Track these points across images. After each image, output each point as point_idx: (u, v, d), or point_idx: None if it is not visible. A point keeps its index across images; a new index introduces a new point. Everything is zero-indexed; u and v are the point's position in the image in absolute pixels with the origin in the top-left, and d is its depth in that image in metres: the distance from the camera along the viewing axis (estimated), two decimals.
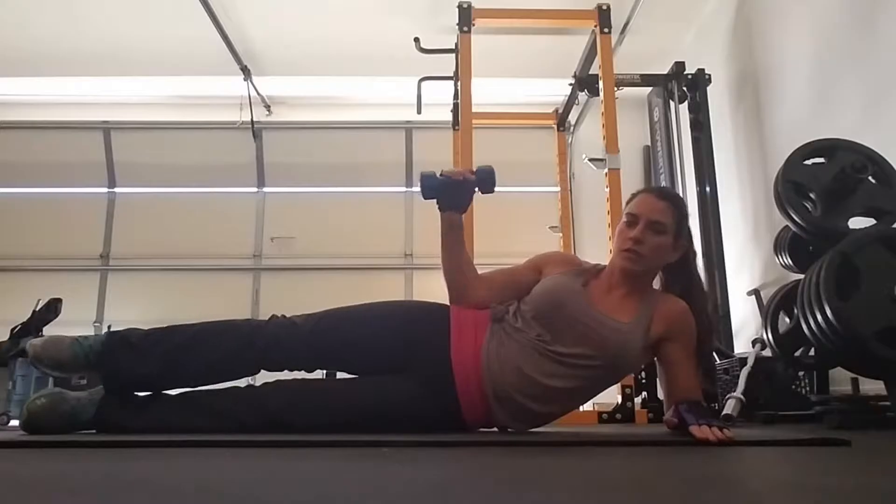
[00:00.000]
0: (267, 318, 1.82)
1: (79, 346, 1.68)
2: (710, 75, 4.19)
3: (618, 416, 2.98)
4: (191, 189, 5.84)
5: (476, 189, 1.81)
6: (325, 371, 3.19)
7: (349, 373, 1.86)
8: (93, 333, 1.74)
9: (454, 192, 1.79)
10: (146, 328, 1.79)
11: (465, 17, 3.57)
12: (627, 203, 1.82)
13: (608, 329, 1.69)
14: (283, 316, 1.83)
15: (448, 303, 1.86)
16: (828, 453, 1.28)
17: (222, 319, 1.82)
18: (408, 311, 1.88)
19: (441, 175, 1.79)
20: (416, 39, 4.52)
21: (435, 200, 1.80)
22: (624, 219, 1.77)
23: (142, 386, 1.74)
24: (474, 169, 1.83)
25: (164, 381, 1.74)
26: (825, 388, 2.58)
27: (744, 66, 4.21)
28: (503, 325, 1.76)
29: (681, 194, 3.98)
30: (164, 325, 1.79)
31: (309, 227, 5.70)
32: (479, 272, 1.89)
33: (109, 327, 2.06)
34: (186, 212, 5.75)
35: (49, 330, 3.76)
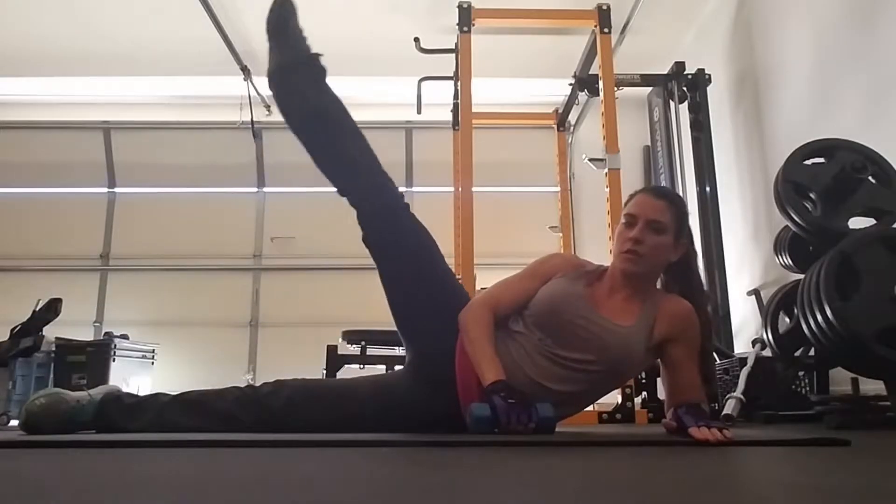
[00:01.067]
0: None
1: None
2: (710, 75, 4.19)
3: (618, 416, 2.98)
4: (191, 189, 5.83)
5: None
6: (325, 367, 3.21)
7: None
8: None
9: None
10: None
11: (465, 17, 3.57)
12: (625, 204, 1.82)
13: (610, 333, 1.68)
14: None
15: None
16: (828, 453, 1.28)
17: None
18: (420, 307, 1.85)
19: (493, 410, 1.54)
20: (416, 39, 4.52)
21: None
22: (623, 220, 1.76)
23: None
24: (536, 411, 1.56)
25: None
26: (825, 388, 2.58)
27: (744, 66, 4.21)
28: (507, 330, 1.76)
29: (681, 194, 3.98)
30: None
31: (309, 227, 5.69)
32: (485, 300, 1.82)
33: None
34: (186, 212, 5.75)
35: (49, 330, 3.77)
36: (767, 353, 2.71)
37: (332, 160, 1.90)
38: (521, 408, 1.54)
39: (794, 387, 2.77)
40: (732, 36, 4.35)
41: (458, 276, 3.51)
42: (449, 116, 4.81)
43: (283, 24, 1.90)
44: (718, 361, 3.03)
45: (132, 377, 4.20)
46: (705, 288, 2.12)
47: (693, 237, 1.86)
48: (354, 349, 3.40)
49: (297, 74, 1.91)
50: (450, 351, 1.73)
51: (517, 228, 5.36)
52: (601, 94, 3.53)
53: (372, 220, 1.85)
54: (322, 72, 1.94)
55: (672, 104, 4.26)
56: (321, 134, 1.90)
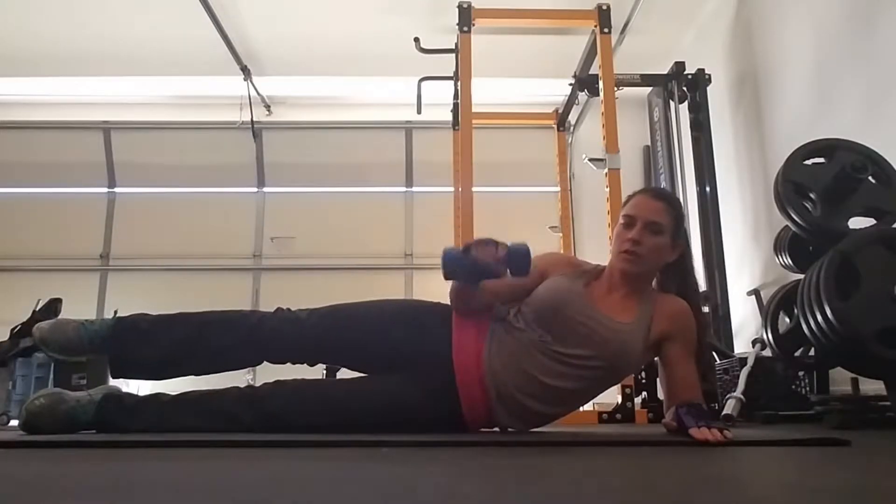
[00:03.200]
0: (273, 310, 1.84)
1: (84, 329, 1.72)
2: (710, 75, 4.19)
3: (618, 416, 2.98)
4: (191, 189, 5.83)
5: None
6: (325, 368, 3.20)
7: (350, 369, 1.88)
8: (98, 319, 1.77)
9: (478, 275, 1.64)
10: (154, 314, 1.81)
11: (465, 17, 3.57)
12: (624, 205, 1.83)
13: (609, 330, 1.69)
14: (289, 309, 1.84)
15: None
16: (828, 453, 1.28)
17: (228, 310, 1.83)
18: (411, 310, 1.89)
19: (466, 251, 1.61)
20: (416, 39, 4.51)
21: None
22: (621, 221, 1.78)
23: (147, 370, 1.78)
24: (506, 244, 1.63)
25: (169, 367, 1.77)
26: (825, 388, 2.58)
27: (744, 66, 4.21)
28: (505, 325, 1.77)
29: (681, 194, 3.98)
30: (172, 313, 1.81)
31: (309, 227, 5.69)
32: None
33: (116, 312, 2.05)
34: (186, 212, 5.75)
35: None
36: (767, 353, 2.71)
37: (217, 366, 1.81)
38: (490, 241, 1.61)
39: (794, 387, 2.77)
40: (732, 36, 4.35)
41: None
42: (449, 116, 4.81)
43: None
44: (718, 361, 3.03)
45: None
46: (700, 287, 2.13)
47: (689, 238, 1.87)
48: None
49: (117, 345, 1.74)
50: (446, 356, 1.73)
51: (517, 228, 5.33)
52: (601, 94, 3.53)
53: (295, 352, 1.80)
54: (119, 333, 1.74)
55: (672, 104, 4.26)
56: (185, 361, 1.78)
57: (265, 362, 1.81)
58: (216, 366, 1.81)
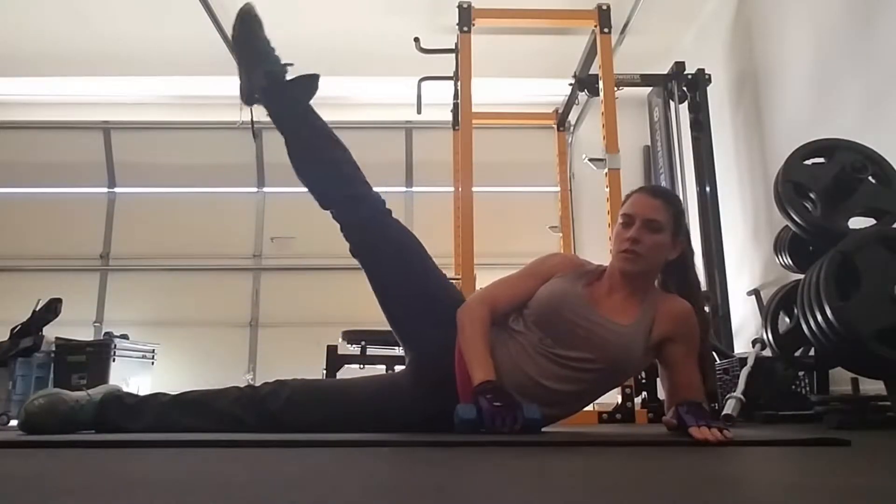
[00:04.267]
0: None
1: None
2: (710, 75, 4.19)
3: (618, 416, 2.98)
4: (191, 189, 5.83)
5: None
6: (325, 367, 3.21)
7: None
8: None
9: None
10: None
11: (465, 17, 3.57)
12: (622, 204, 1.82)
13: (609, 332, 1.68)
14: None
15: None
16: (828, 453, 1.28)
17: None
18: (427, 306, 1.85)
19: (482, 414, 1.53)
20: (416, 39, 4.51)
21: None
22: (620, 220, 1.77)
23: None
24: (522, 413, 1.55)
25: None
26: (825, 388, 2.58)
27: (744, 66, 4.21)
28: (506, 328, 1.77)
29: (681, 194, 3.98)
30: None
31: (309, 227, 5.67)
32: (483, 297, 1.82)
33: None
34: (186, 212, 5.75)
35: (49, 330, 3.77)
36: (767, 353, 2.71)
37: (319, 175, 1.93)
38: (506, 410, 1.54)
39: (794, 387, 2.77)
40: (732, 36, 4.35)
41: (457, 276, 3.51)
42: (449, 116, 4.81)
43: (251, 36, 1.93)
44: (718, 361, 3.03)
45: (132, 377, 4.20)
46: (702, 286, 2.13)
47: (690, 235, 1.86)
48: (354, 349, 3.40)
49: (288, 90, 1.98)
50: (448, 350, 1.73)
51: (517, 228, 5.35)
52: (601, 94, 3.53)
53: (357, 231, 1.88)
54: (313, 87, 1.99)
55: (672, 104, 4.26)
56: (313, 149, 1.94)
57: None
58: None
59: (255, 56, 1.97)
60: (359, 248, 1.89)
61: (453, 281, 4.01)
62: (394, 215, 1.92)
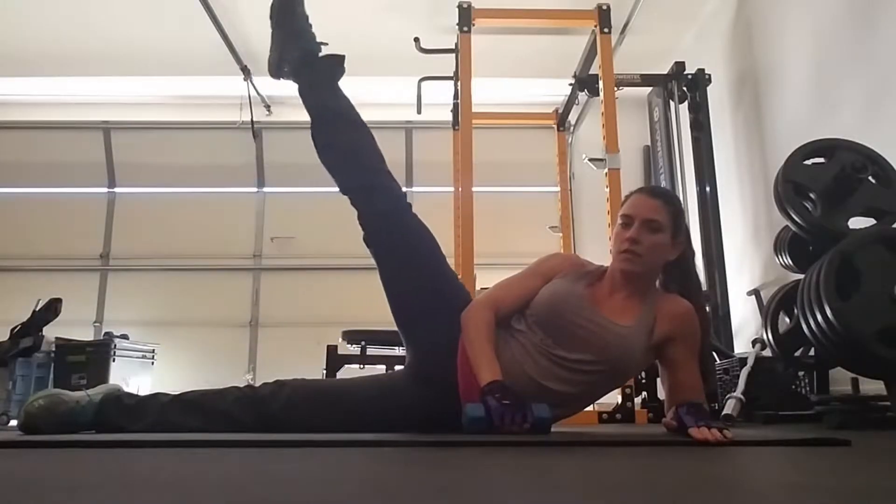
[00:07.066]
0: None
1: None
2: (710, 75, 4.19)
3: (618, 416, 2.98)
4: (191, 189, 5.83)
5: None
6: (325, 367, 3.20)
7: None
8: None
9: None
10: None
11: (465, 17, 3.57)
12: (622, 205, 1.82)
13: (610, 333, 1.68)
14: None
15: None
16: (828, 453, 1.28)
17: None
18: (427, 306, 1.85)
19: (492, 414, 1.52)
20: (416, 39, 4.51)
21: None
22: (619, 221, 1.77)
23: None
24: (531, 411, 1.54)
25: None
26: (825, 388, 2.58)
27: (744, 66, 4.21)
28: (508, 329, 1.76)
29: (681, 194, 3.98)
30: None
31: (309, 227, 5.69)
32: (487, 301, 1.81)
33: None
34: (186, 212, 5.75)
35: (49, 330, 3.77)
36: (767, 353, 2.71)
37: (342, 157, 1.94)
38: (515, 408, 1.54)
39: (794, 387, 2.77)
40: (732, 36, 4.35)
41: (458, 276, 3.51)
42: (449, 116, 4.81)
43: (290, 11, 1.94)
44: (718, 361, 3.03)
45: (132, 377, 4.20)
46: (703, 286, 2.13)
47: (690, 235, 1.86)
48: (354, 349, 3.40)
49: (319, 66, 1.97)
50: (451, 350, 1.73)
51: (517, 228, 5.36)
52: (601, 94, 3.53)
53: (374, 220, 1.88)
54: (341, 68, 2.00)
55: (672, 104, 4.26)
56: (338, 129, 1.94)
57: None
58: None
59: (294, 30, 1.98)
60: (373, 238, 1.89)
61: None
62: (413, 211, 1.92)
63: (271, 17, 2.01)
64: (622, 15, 4.44)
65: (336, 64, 1.99)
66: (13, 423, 3.28)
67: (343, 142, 1.93)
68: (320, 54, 2.00)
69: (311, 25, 2.00)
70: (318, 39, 2.01)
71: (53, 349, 3.90)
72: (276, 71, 2.03)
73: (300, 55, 1.97)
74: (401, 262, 1.85)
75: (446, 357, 1.73)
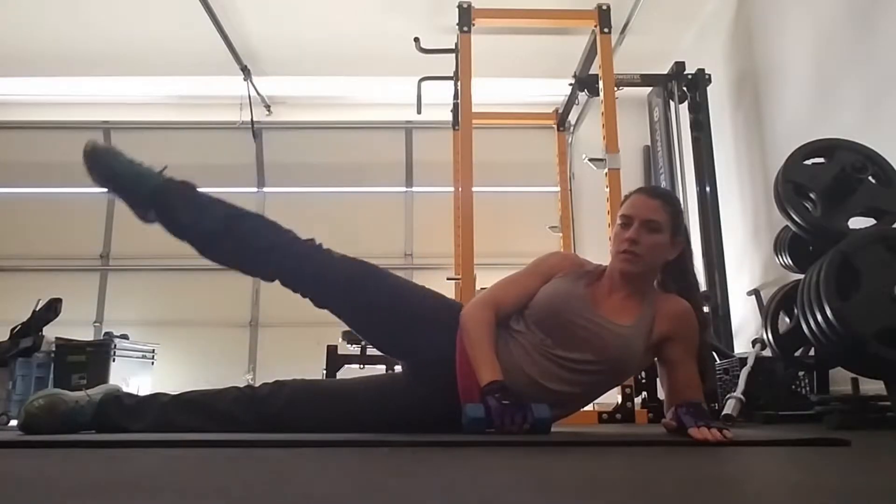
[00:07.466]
0: (306, 238, 1.85)
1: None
2: (710, 75, 4.19)
3: (618, 416, 2.98)
4: None
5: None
6: (325, 366, 3.21)
7: (349, 326, 1.91)
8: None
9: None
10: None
11: (465, 17, 3.57)
12: (621, 205, 1.82)
13: (610, 333, 1.68)
14: (322, 245, 1.86)
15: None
16: (828, 453, 1.28)
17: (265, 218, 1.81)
18: (422, 308, 1.85)
19: (492, 414, 1.54)
20: (416, 39, 4.52)
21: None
22: (619, 221, 1.77)
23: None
24: (531, 411, 1.55)
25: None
26: (825, 388, 2.58)
27: (744, 66, 4.21)
28: (507, 329, 1.77)
29: (681, 194, 3.98)
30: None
31: (309, 227, 5.64)
32: (486, 300, 1.81)
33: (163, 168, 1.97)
34: None
35: (49, 330, 3.77)
36: (767, 353, 2.71)
37: (246, 260, 1.88)
38: (515, 408, 1.54)
39: (794, 387, 2.77)
40: (732, 36, 4.35)
41: (457, 277, 3.51)
42: (449, 116, 4.81)
43: (108, 169, 1.81)
44: (718, 361, 3.03)
45: (132, 377, 4.20)
46: (701, 286, 2.13)
47: (689, 235, 1.86)
48: (354, 349, 3.40)
49: (170, 198, 1.85)
50: (448, 356, 1.73)
51: (517, 228, 5.36)
52: (601, 94, 3.53)
53: (310, 287, 1.84)
54: (190, 184, 1.87)
55: (672, 104, 4.26)
56: (224, 244, 1.85)
57: (277, 282, 1.85)
58: (234, 263, 1.90)
59: (129, 184, 1.83)
60: (320, 300, 1.85)
61: (453, 281, 4.03)
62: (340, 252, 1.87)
63: (100, 185, 1.83)
64: (622, 15, 4.44)
65: (182, 185, 1.87)
66: (13, 423, 3.28)
67: (237, 248, 1.84)
68: (163, 180, 1.86)
69: (140, 164, 1.85)
70: (157, 168, 1.87)
71: (53, 349, 3.89)
72: (145, 220, 1.90)
73: (147, 201, 1.85)
74: (358, 304, 1.81)
75: (445, 362, 1.73)
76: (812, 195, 2.39)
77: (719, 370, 2.92)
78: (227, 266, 1.87)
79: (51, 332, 3.83)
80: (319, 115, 5.76)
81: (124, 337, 4.37)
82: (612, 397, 3.03)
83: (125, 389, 1.81)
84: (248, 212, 1.88)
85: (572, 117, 5.27)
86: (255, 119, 5.40)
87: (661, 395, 1.99)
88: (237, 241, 1.81)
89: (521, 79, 5.45)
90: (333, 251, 1.86)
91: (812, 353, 2.57)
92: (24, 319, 3.67)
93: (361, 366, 3.35)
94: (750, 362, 2.61)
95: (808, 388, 2.74)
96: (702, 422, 1.51)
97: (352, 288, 1.79)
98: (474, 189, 3.37)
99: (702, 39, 4.78)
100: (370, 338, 1.91)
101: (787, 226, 2.55)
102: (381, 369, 3.24)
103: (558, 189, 5.19)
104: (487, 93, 4.83)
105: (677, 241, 1.77)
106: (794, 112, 3.59)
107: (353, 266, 1.83)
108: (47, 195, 5.81)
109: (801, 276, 2.26)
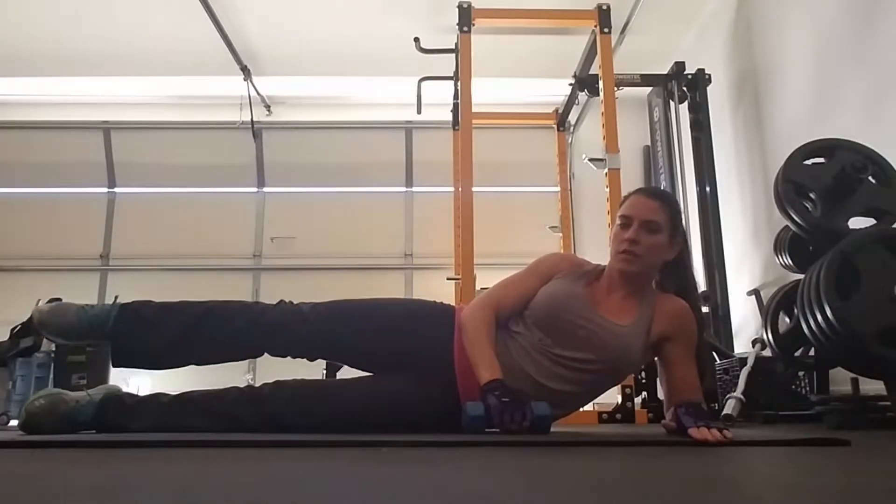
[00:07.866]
0: (275, 303, 1.84)
1: (84, 313, 1.74)
2: (710, 75, 4.19)
3: (618, 416, 2.98)
4: (191, 189, 5.84)
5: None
6: (325, 367, 3.20)
7: (351, 366, 1.87)
8: (98, 304, 1.77)
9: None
10: (156, 302, 1.81)
11: (465, 17, 3.57)
12: (620, 206, 1.83)
13: (609, 332, 1.69)
14: (291, 302, 1.84)
15: (453, 303, 1.86)
16: (828, 453, 1.28)
17: (231, 300, 1.84)
18: (414, 310, 1.88)
19: (491, 413, 1.54)
20: (416, 39, 4.52)
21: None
22: (618, 221, 1.78)
23: (148, 358, 1.79)
24: (531, 410, 1.55)
25: (171, 355, 1.77)
26: (825, 388, 2.58)
27: (744, 66, 4.21)
28: (506, 331, 1.77)
29: (681, 194, 3.98)
30: (174, 301, 1.82)
31: (309, 227, 5.70)
32: (486, 301, 1.81)
33: (116, 298, 2.06)
34: (186, 212, 5.75)
35: None
36: (767, 353, 2.71)
37: (217, 353, 1.82)
38: (515, 407, 1.55)
39: (794, 387, 2.77)
40: (732, 36, 4.35)
41: (457, 277, 3.50)
42: (449, 116, 4.81)
43: (63, 331, 1.77)
44: (718, 361, 3.03)
45: (132, 377, 4.20)
46: (699, 287, 2.13)
47: (687, 236, 1.87)
48: None
49: (122, 330, 1.76)
50: (447, 357, 1.73)
51: (517, 228, 5.36)
52: (601, 94, 3.54)
53: (303, 349, 1.82)
54: (134, 303, 1.81)
55: (672, 104, 4.26)
56: (191, 349, 1.78)
57: (266, 354, 1.81)
58: (217, 356, 1.81)
59: (86, 332, 1.77)
60: (315, 353, 1.83)
61: (453, 281, 4.03)
62: (308, 301, 1.84)
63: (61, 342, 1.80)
64: (622, 15, 4.44)
65: (131, 308, 1.79)
66: (13, 423, 3.28)
67: (206, 344, 1.78)
68: (117, 312, 1.77)
69: (86, 311, 1.78)
70: (106, 304, 1.82)
71: (53, 349, 3.89)
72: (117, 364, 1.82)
73: (116, 339, 1.77)
74: (351, 343, 1.80)
75: (443, 364, 1.74)
76: (812, 195, 2.39)
77: (719, 370, 2.93)
78: (214, 363, 1.80)
79: None
80: (319, 115, 5.76)
81: None
82: (612, 397, 3.03)
83: (125, 389, 1.81)
84: (207, 302, 1.81)
85: (572, 117, 5.27)
86: (255, 119, 5.41)
87: (661, 395, 1.99)
88: (213, 332, 1.76)
89: (521, 79, 5.46)
90: (304, 303, 1.83)
91: (812, 353, 2.57)
92: (24, 319, 3.67)
93: None
94: (750, 362, 2.61)
95: (808, 388, 2.74)
96: (701, 422, 1.51)
97: (336, 325, 1.78)
98: (474, 189, 3.37)
99: (702, 39, 4.78)
100: (370, 363, 1.85)
101: (787, 226, 2.56)
102: None
103: (558, 189, 5.20)
104: (487, 93, 4.83)
105: (676, 242, 1.78)
106: (794, 112, 3.59)
107: (328, 308, 1.82)
108: (47, 195, 5.81)
109: (801, 276, 2.26)
